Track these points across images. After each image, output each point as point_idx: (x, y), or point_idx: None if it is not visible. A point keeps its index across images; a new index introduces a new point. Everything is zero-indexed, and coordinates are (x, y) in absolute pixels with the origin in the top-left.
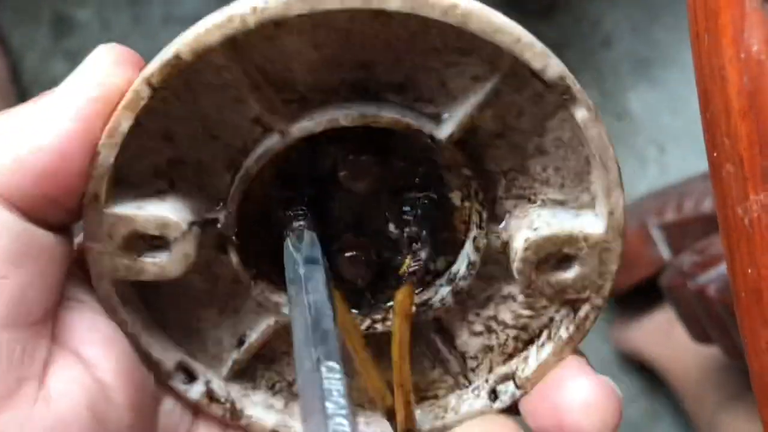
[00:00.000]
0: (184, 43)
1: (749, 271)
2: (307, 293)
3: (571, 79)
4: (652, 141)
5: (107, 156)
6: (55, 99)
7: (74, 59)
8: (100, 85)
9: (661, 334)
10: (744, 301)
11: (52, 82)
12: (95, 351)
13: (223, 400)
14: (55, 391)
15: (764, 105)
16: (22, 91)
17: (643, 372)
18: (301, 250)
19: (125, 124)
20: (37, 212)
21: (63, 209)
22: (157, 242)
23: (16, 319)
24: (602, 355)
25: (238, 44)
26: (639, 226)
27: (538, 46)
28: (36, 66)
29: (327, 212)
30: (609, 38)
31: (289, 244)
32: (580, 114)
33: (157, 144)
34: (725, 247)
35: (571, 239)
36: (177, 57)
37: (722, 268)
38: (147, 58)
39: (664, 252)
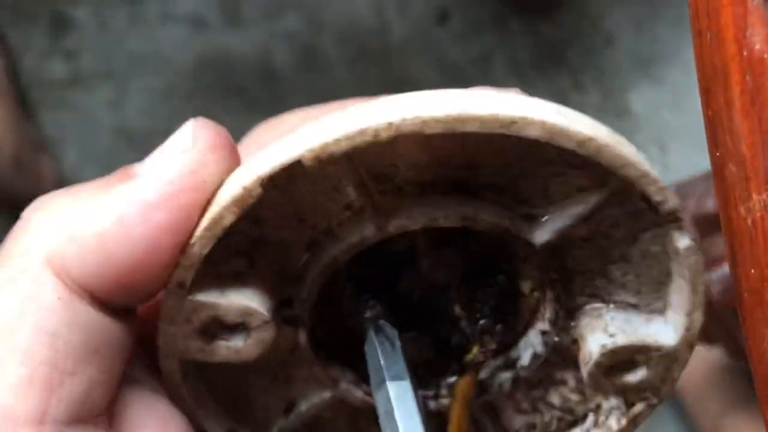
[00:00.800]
0: (308, 149)
1: (752, 271)
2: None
3: (680, 211)
4: (654, 139)
5: (202, 248)
6: (145, 183)
7: (72, 58)
8: (194, 173)
9: None
10: (747, 301)
11: (51, 82)
12: None
13: None
14: None
15: (767, 103)
16: (21, 91)
17: None
18: (384, 351)
19: (228, 219)
20: (113, 301)
21: (140, 296)
22: (233, 328)
23: (79, 416)
24: None
25: (354, 152)
26: None
27: (660, 181)
28: (34, 65)
29: (393, 288)
30: (611, 36)
31: (373, 338)
32: (684, 242)
33: (247, 227)
34: (728, 247)
35: (644, 348)
36: (298, 162)
37: (725, 268)
38: (146, 57)
39: None
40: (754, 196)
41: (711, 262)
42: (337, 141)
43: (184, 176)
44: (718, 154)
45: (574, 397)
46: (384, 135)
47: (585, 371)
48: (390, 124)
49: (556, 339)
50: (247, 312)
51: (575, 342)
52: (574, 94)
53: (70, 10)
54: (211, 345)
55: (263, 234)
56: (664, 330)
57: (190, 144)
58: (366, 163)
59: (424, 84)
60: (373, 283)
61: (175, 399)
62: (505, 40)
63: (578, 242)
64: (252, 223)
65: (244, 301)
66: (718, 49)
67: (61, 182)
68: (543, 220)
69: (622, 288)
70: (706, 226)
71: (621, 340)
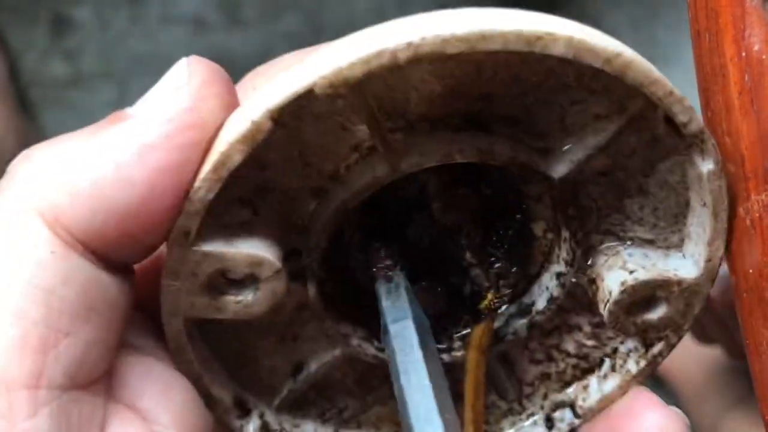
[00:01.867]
0: (320, 75)
1: (751, 271)
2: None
3: (707, 133)
4: None
5: (208, 192)
6: (141, 123)
7: (73, 58)
8: (192, 109)
9: None
10: (746, 301)
11: (51, 82)
12: (152, 403)
13: (277, 430)
14: None
15: (766, 104)
16: (20, 91)
17: None
18: (391, 298)
19: (237, 159)
20: (112, 253)
21: (140, 248)
22: (241, 281)
23: (75, 380)
24: None
25: (368, 78)
26: None
27: (686, 100)
28: (34, 65)
29: (403, 238)
30: None
31: (381, 291)
32: (708, 166)
33: (251, 171)
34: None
35: (665, 283)
36: (310, 91)
37: (724, 268)
38: (146, 57)
39: None
40: (753, 197)
41: None
42: (352, 65)
43: (181, 113)
44: None
45: (590, 342)
46: (402, 57)
47: (605, 310)
48: (409, 44)
49: (573, 280)
50: (257, 261)
51: (592, 282)
52: None
53: (71, 11)
54: (218, 300)
55: (268, 179)
56: (683, 263)
57: (186, 80)
58: (378, 94)
59: None
60: (382, 232)
61: (180, 362)
62: None
63: (594, 176)
64: (257, 167)
65: (253, 250)
66: (717, 50)
67: None
68: (562, 150)
69: (639, 223)
70: None
71: (641, 275)
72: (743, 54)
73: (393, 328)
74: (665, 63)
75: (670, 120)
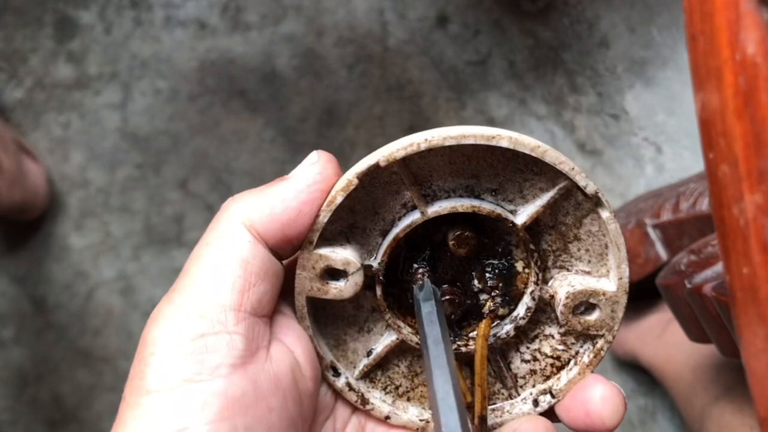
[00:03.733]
0: (382, 155)
1: (745, 270)
2: (430, 324)
3: (601, 192)
4: (649, 141)
5: (324, 217)
6: (297, 181)
7: (77, 61)
8: (320, 174)
9: (655, 337)
10: (740, 300)
11: (56, 83)
12: (291, 341)
13: (356, 390)
14: (274, 358)
15: (760, 106)
16: (22, 92)
17: (638, 372)
18: (422, 296)
19: (339, 199)
20: (276, 247)
21: (290, 247)
22: (338, 274)
23: (258, 310)
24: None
25: (407, 159)
26: (636, 226)
27: (584, 173)
28: (40, 67)
29: (434, 268)
30: (605, 39)
31: (416, 290)
32: (605, 214)
33: (346, 214)
34: (721, 246)
35: (594, 293)
36: (377, 164)
37: (718, 267)
38: (150, 60)
39: (661, 251)
40: (747, 197)
41: (705, 262)
42: (398, 150)
43: (315, 176)
44: (711, 155)
45: (560, 347)
46: (423, 146)
47: (558, 312)
48: (426, 139)
49: (539, 294)
50: (347, 262)
51: (552, 297)
52: (570, 95)
53: (76, 13)
54: (325, 286)
55: (355, 221)
56: (608, 283)
57: (316, 160)
58: (414, 171)
59: (423, 86)
60: (420, 261)
61: (303, 327)
62: (503, 43)
63: (546, 228)
64: (349, 211)
65: (346, 255)
66: (712, 52)
67: (60, 182)
68: (519, 211)
69: (579, 260)
70: (701, 225)
71: (579, 288)
72: (738, 56)
73: (425, 306)
74: (661, 65)
75: (579, 187)
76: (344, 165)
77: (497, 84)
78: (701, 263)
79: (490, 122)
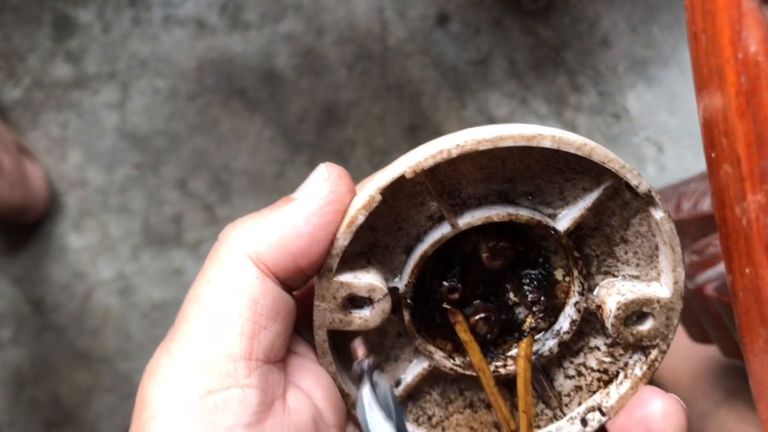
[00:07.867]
0: (408, 165)
1: (747, 270)
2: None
3: (654, 191)
4: (650, 140)
5: (344, 241)
6: (307, 202)
7: (76, 60)
8: (333, 192)
9: None
10: (742, 300)
11: (55, 83)
12: (309, 384)
13: None
14: (292, 408)
15: (762, 105)
16: (20, 92)
17: None
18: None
19: (361, 219)
20: (288, 281)
21: (304, 277)
22: (362, 302)
23: (270, 357)
24: None
25: (435, 168)
26: None
27: (635, 170)
28: (38, 67)
29: (465, 282)
30: (607, 38)
31: (354, 366)
32: (659, 214)
33: (366, 233)
34: (723, 246)
35: (648, 301)
36: (403, 176)
37: (720, 267)
38: (149, 59)
39: None
40: (749, 197)
41: (707, 262)
42: (426, 159)
43: (327, 194)
44: (713, 154)
45: (607, 359)
46: (454, 153)
47: (609, 324)
48: (458, 145)
49: (585, 306)
50: (372, 288)
51: (599, 307)
52: (571, 95)
53: (74, 13)
54: (348, 316)
55: (376, 239)
56: (660, 288)
57: (327, 176)
58: (442, 180)
59: (423, 85)
60: (451, 279)
61: (324, 363)
62: (503, 42)
63: (589, 231)
64: (370, 229)
65: (371, 280)
66: (714, 51)
67: (59, 182)
68: (560, 216)
69: (626, 264)
70: (703, 225)
71: (631, 296)
72: (740, 55)
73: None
74: (662, 64)
75: (629, 185)
76: (344, 165)
77: (498, 83)
78: (703, 263)
79: (491, 122)
